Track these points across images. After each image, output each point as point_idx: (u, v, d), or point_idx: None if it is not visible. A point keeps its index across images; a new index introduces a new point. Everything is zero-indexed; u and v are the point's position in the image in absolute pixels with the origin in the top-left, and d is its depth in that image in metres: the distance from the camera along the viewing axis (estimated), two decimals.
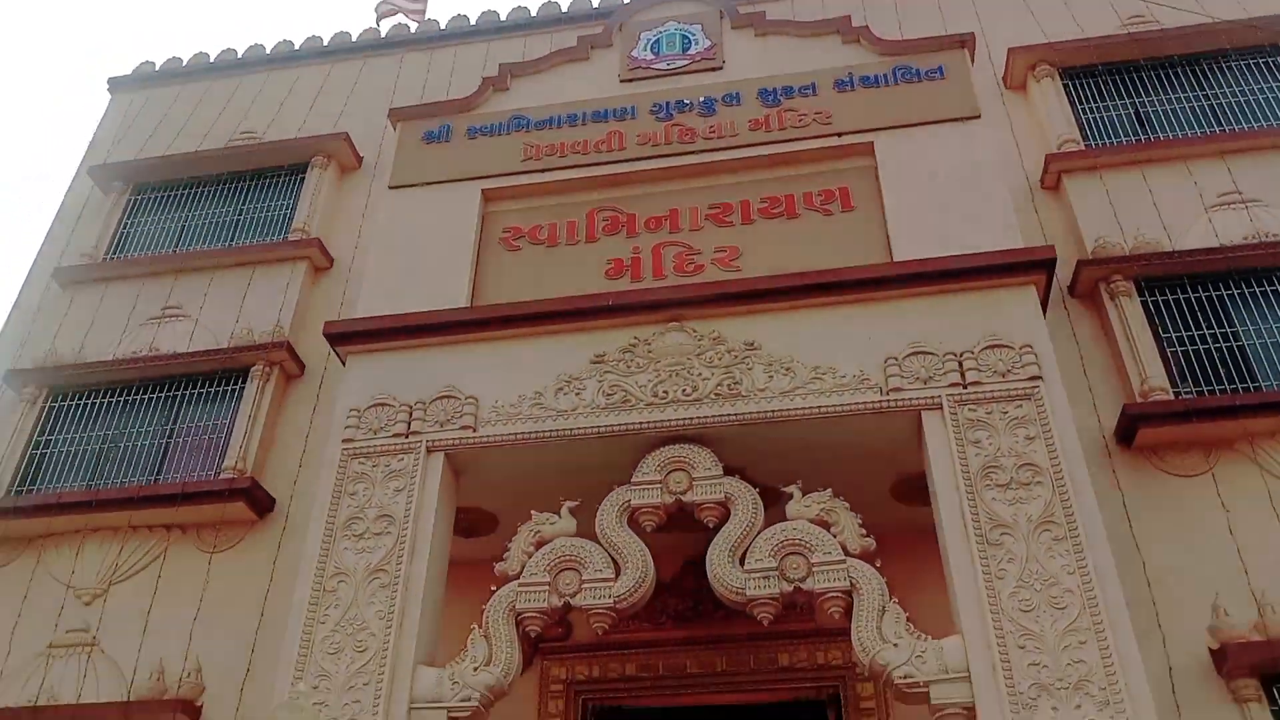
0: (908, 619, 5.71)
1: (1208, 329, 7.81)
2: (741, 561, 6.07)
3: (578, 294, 7.29)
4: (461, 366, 7.11)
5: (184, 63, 12.60)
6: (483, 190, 8.22)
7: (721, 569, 6.06)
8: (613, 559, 6.22)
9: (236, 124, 11.54)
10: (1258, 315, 7.83)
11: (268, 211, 10.52)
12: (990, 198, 7.29)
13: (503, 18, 12.32)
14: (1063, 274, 7.83)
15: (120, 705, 7.35)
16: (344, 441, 6.90)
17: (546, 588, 6.15)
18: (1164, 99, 9.44)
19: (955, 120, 7.77)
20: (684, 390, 6.68)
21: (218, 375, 9.10)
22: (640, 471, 6.52)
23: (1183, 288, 8.00)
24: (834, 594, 5.86)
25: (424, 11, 12.94)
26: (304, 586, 6.31)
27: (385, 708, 5.77)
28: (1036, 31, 10.24)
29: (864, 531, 6.04)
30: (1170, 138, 9.04)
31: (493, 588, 6.26)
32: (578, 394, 6.81)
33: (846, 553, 5.96)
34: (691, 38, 9.04)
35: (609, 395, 6.76)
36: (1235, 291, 7.95)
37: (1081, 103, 9.58)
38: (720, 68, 8.75)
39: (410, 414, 6.92)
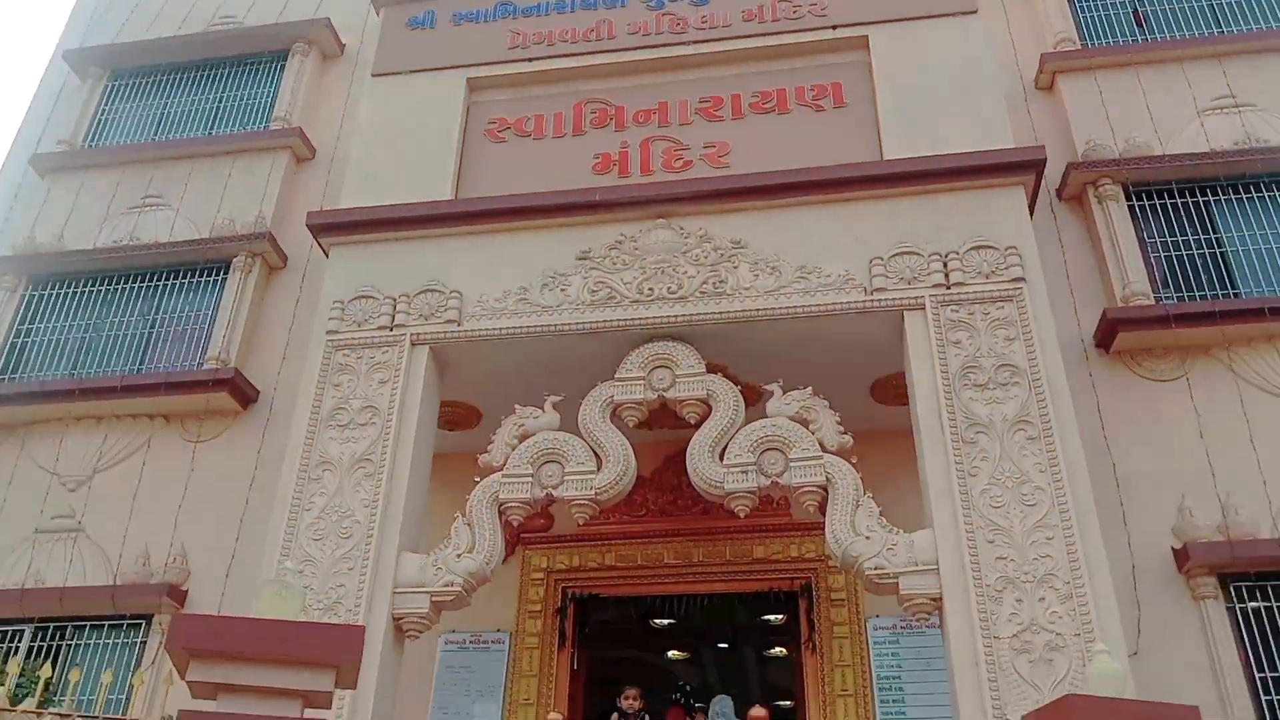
0: (880, 514, 5.85)
1: (1193, 235, 7.81)
2: (721, 457, 6.18)
3: (564, 189, 7.22)
4: (446, 260, 7.07)
5: None
6: (468, 79, 8.05)
7: (702, 463, 6.17)
8: (595, 453, 6.32)
9: (216, 8, 11.18)
10: (1243, 222, 7.83)
11: (248, 99, 10.30)
12: (984, 96, 7.19)
13: None
14: (1052, 176, 7.78)
15: (107, 589, 7.50)
16: (328, 333, 6.91)
17: (530, 479, 6.26)
18: None
19: (952, 15, 7.61)
20: (669, 288, 6.68)
21: (199, 266, 9.04)
22: (624, 368, 6.58)
23: (1170, 193, 7.98)
24: (810, 488, 5.99)
25: None
26: (289, 474, 6.40)
27: (369, 591, 5.92)
28: None
29: (842, 429, 6.13)
30: (1167, 38, 8.89)
31: (476, 479, 6.36)
32: (563, 290, 6.81)
33: (824, 449, 6.07)
34: None
35: (594, 292, 6.76)
36: (1222, 198, 7.93)
37: (1079, 0, 9.38)
38: None
39: (394, 306, 6.91)
